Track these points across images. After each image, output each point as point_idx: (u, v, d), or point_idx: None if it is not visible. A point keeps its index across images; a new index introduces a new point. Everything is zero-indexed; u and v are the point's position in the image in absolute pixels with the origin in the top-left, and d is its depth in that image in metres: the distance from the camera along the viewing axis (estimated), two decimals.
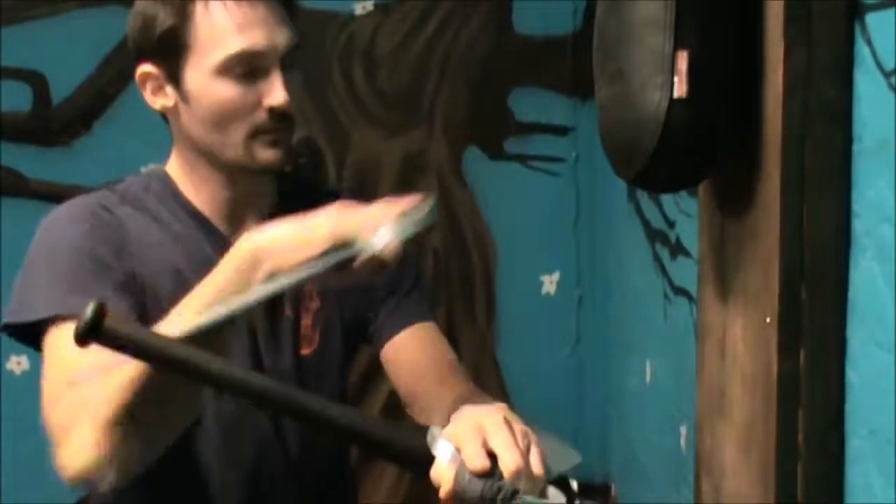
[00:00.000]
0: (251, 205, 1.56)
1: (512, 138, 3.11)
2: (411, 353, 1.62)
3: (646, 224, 2.63)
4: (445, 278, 3.12)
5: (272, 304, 1.53)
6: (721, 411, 1.59)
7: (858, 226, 1.31)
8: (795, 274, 1.35)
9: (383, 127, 3.06)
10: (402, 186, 3.06)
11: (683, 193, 2.21)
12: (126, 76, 2.87)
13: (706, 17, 1.39)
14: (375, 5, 3.01)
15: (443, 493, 1.15)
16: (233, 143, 1.48)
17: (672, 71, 1.37)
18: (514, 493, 1.14)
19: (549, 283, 3.17)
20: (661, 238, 2.50)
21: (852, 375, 1.33)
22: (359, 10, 3.01)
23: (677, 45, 1.37)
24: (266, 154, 1.48)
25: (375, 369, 1.69)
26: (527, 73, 3.08)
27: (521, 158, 3.12)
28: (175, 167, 1.58)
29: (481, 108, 3.08)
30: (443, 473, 1.16)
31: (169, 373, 1.19)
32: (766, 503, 1.42)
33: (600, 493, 1.17)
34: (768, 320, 1.39)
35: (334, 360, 1.62)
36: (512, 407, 1.26)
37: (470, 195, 3.11)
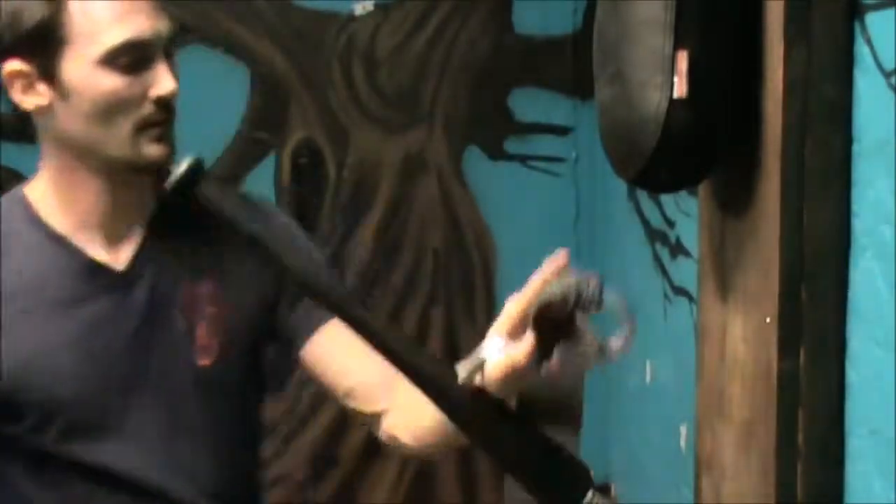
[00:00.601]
0: (131, 213, 1.48)
1: (512, 138, 3.10)
2: (341, 345, 1.52)
3: (646, 224, 2.63)
4: (445, 278, 3.11)
5: (160, 312, 1.47)
6: (721, 411, 1.59)
7: (858, 226, 1.31)
8: (795, 274, 1.35)
9: (383, 127, 3.06)
10: (402, 186, 3.06)
11: (683, 193, 2.21)
12: None
13: (706, 17, 1.39)
14: (375, 5, 3.01)
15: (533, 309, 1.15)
16: (118, 139, 1.40)
17: (672, 71, 1.37)
18: (602, 288, 1.13)
19: None
20: (661, 238, 2.50)
21: (852, 375, 1.33)
22: (359, 10, 3.01)
23: (677, 45, 1.37)
24: (153, 149, 1.41)
25: None
26: (527, 73, 3.08)
27: (521, 158, 3.12)
28: (40, 184, 1.48)
29: (481, 108, 3.07)
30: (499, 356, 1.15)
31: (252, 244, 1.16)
32: (766, 503, 1.42)
33: (600, 493, 1.17)
34: (768, 320, 1.39)
35: (239, 372, 1.53)
36: None
37: (470, 195, 3.10)
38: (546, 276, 1.20)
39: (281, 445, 3.06)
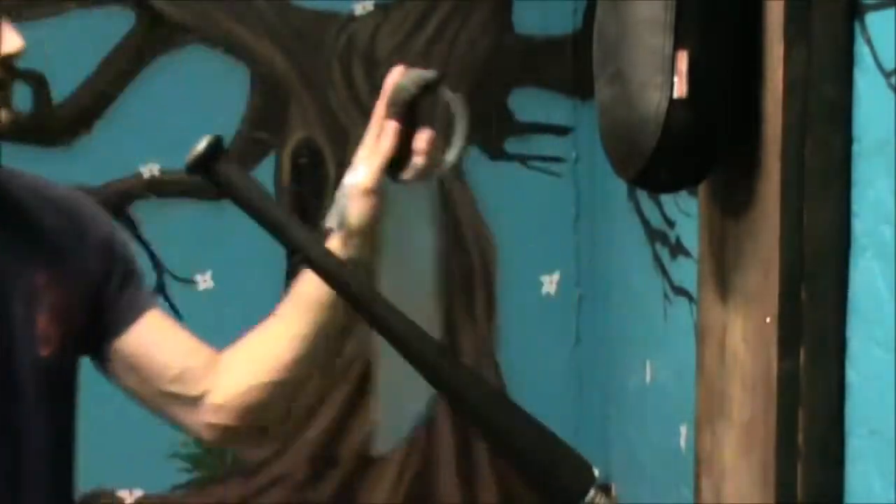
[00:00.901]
0: None
1: (512, 138, 3.10)
2: (165, 331, 1.50)
3: (646, 224, 2.63)
4: (445, 278, 3.11)
5: (1, 301, 1.39)
6: (721, 411, 1.59)
7: (858, 226, 1.31)
8: (795, 274, 1.35)
9: None
10: None
11: (683, 193, 2.21)
12: (126, 76, 2.88)
13: (706, 17, 1.39)
14: (375, 5, 3.01)
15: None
16: None
17: (672, 71, 1.37)
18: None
19: (549, 283, 3.17)
20: (661, 238, 2.50)
21: (852, 375, 1.33)
22: (359, 10, 3.01)
23: (677, 45, 1.37)
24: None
25: None
26: (527, 73, 3.08)
27: (521, 158, 3.12)
28: None
29: (481, 108, 3.07)
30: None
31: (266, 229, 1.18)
32: (766, 503, 1.42)
33: (600, 493, 1.17)
34: (768, 320, 1.39)
35: (75, 362, 1.48)
36: None
37: (470, 195, 3.10)
38: (393, 83, 1.37)
39: (281, 445, 3.06)
